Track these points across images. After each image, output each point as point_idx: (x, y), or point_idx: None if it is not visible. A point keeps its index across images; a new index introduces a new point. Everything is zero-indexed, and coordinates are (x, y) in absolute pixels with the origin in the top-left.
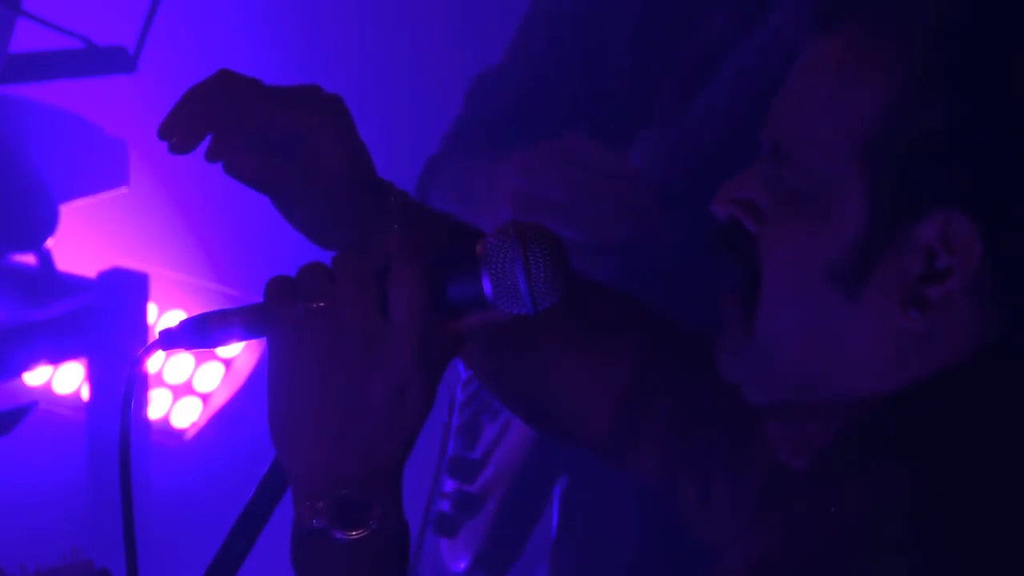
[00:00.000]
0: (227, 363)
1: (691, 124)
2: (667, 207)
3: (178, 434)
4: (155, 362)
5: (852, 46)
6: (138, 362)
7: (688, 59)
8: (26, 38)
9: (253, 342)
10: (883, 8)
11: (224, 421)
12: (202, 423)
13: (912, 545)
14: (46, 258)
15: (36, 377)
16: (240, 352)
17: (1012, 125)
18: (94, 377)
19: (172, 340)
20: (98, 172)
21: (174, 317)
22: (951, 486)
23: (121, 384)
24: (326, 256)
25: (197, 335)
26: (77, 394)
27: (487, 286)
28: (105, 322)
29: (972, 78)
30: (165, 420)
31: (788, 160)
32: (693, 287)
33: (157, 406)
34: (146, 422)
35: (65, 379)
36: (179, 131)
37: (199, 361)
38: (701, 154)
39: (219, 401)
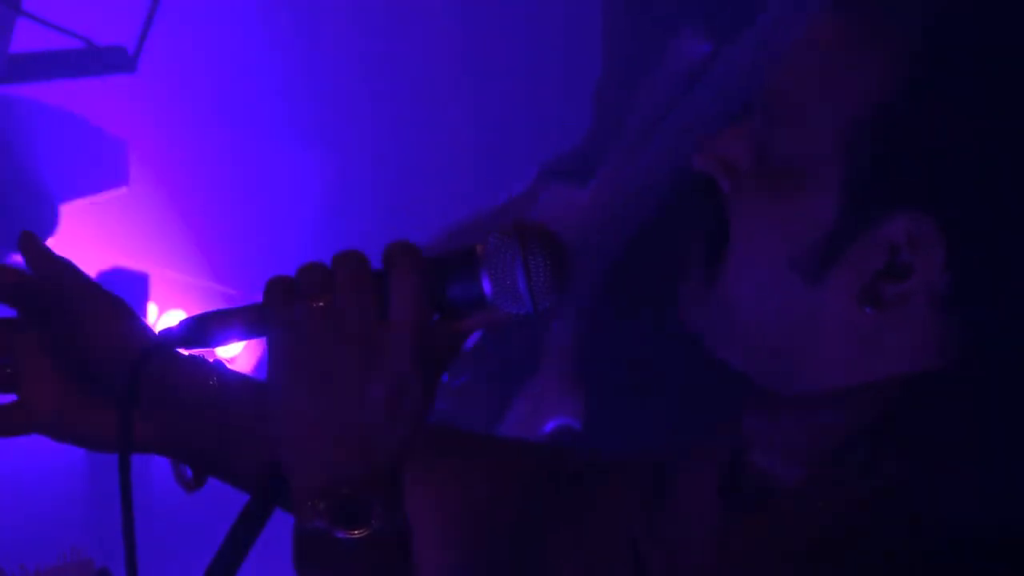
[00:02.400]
0: (227, 363)
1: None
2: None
3: None
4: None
5: (857, 26)
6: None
7: (653, 92)
8: (26, 38)
9: (253, 342)
10: None
11: None
12: None
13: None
14: None
15: None
16: (240, 352)
17: (999, 143)
18: None
19: (172, 340)
20: (98, 172)
21: (174, 317)
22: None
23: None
24: (326, 256)
25: (197, 335)
26: None
27: (487, 286)
28: None
29: (965, 85)
30: None
31: (776, 126)
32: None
33: None
34: None
35: None
36: None
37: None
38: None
39: None
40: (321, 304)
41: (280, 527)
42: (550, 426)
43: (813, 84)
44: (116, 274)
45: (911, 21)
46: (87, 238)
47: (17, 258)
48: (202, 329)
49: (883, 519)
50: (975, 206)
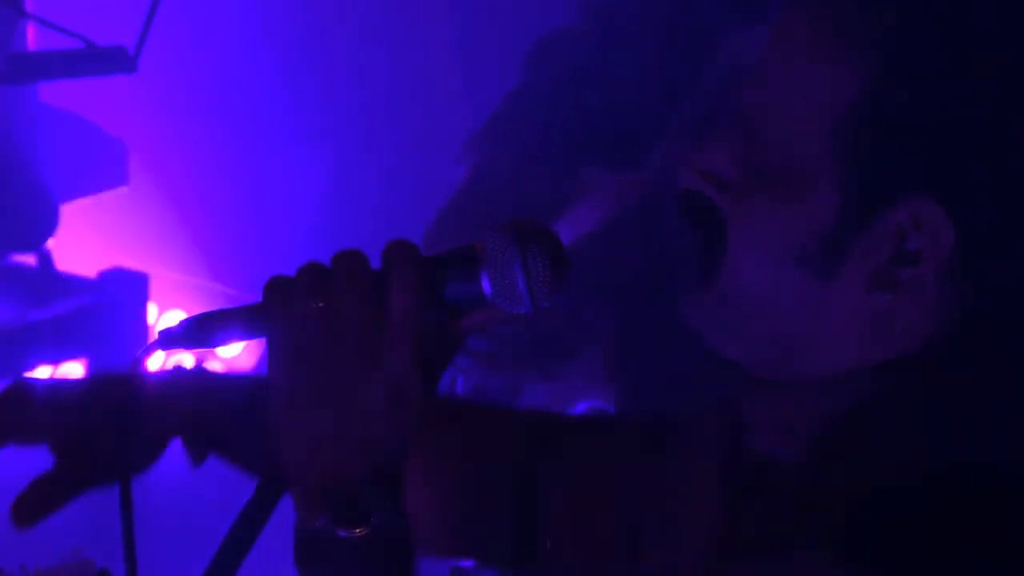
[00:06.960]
0: (227, 363)
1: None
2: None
3: None
4: (155, 362)
5: (823, 20)
6: (138, 362)
7: (712, 73)
8: (26, 38)
9: (253, 342)
10: None
11: None
12: None
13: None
14: (46, 258)
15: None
16: (240, 352)
17: (985, 112)
18: None
19: (172, 340)
20: (98, 172)
21: (174, 317)
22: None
23: None
24: (326, 256)
25: (197, 335)
26: None
27: (486, 285)
28: (105, 322)
29: (945, 62)
30: None
31: (759, 136)
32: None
33: None
34: None
35: None
36: None
37: (199, 361)
38: None
39: None
40: (320, 304)
41: (280, 527)
42: (582, 407)
43: (790, 88)
44: (116, 274)
45: (876, 4)
46: (87, 238)
47: (17, 258)
48: (202, 329)
49: (877, 497)
50: (975, 181)
